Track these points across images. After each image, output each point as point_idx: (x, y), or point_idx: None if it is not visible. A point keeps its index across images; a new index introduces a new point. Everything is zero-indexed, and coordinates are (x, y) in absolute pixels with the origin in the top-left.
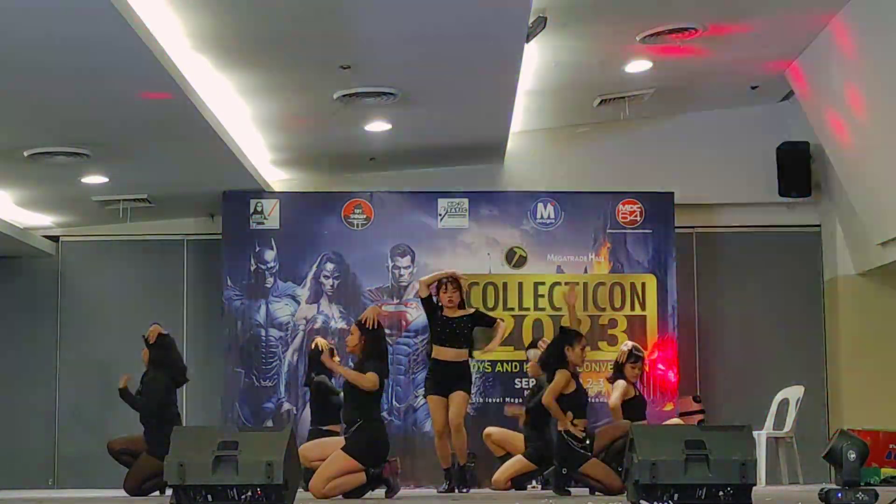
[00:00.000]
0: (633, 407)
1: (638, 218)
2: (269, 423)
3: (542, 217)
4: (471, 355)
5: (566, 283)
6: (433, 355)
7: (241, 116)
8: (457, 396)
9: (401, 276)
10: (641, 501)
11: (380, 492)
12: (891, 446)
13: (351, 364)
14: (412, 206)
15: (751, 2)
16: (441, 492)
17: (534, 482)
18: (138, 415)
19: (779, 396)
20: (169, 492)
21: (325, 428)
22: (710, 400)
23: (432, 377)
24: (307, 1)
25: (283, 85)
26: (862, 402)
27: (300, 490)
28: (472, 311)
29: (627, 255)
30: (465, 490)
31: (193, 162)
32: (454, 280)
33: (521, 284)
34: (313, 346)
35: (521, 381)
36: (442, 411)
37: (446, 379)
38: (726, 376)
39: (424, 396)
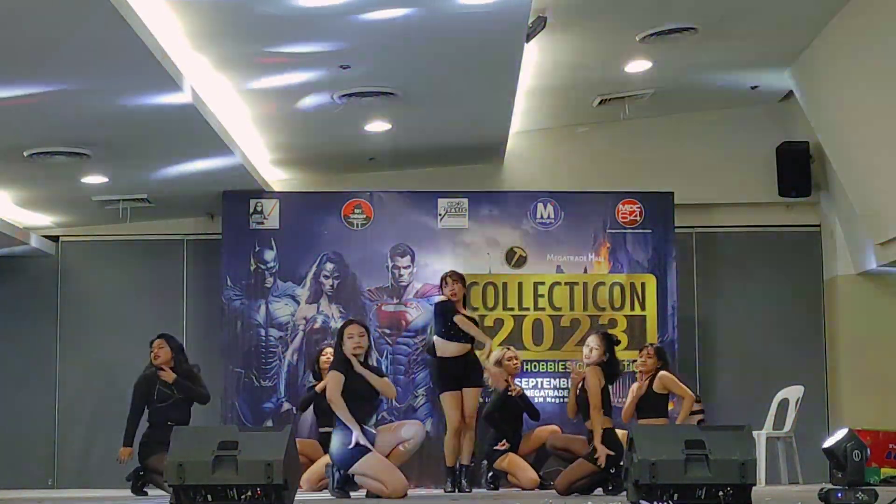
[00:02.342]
0: (653, 402)
1: (638, 218)
2: (269, 423)
3: (541, 217)
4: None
5: (566, 283)
6: (438, 353)
7: (241, 116)
8: (471, 393)
9: (400, 276)
10: (641, 501)
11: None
12: (891, 446)
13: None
14: (412, 206)
15: (751, 2)
16: (448, 491)
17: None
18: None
19: (779, 396)
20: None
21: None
22: (710, 400)
23: (442, 374)
24: (307, 1)
25: (284, 85)
26: (862, 402)
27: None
28: (475, 318)
29: (627, 255)
30: (467, 490)
31: (193, 162)
32: (454, 273)
33: (520, 284)
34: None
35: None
36: (457, 408)
37: (457, 373)
38: (726, 376)
39: (438, 395)
